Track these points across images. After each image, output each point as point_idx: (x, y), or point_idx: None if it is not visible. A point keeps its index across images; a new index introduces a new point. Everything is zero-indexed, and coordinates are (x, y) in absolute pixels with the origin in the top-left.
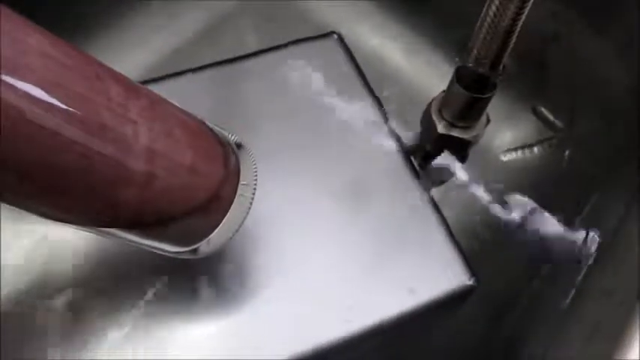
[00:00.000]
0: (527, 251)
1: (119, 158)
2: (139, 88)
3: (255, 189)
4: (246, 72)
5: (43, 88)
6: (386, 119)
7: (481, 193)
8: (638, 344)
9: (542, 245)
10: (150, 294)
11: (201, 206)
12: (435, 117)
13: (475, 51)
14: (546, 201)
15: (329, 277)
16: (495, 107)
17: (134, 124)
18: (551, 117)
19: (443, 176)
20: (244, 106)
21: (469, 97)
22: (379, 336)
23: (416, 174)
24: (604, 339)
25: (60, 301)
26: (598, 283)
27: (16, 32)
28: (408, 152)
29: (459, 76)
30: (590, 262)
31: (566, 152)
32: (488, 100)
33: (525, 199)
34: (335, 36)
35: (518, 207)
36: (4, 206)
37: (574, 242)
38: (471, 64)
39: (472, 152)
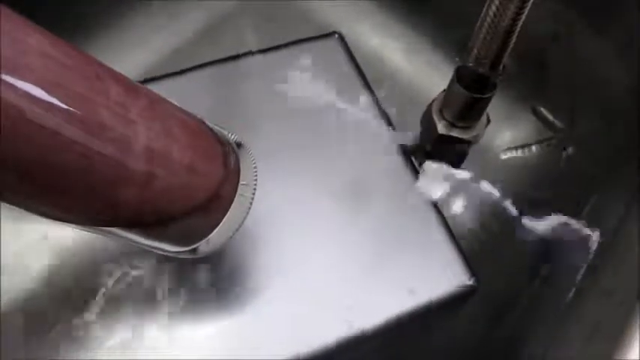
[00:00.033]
0: (527, 251)
1: (119, 158)
2: (138, 87)
3: (255, 189)
4: (246, 72)
5: (43, 88)
6: (386, 119)
7: (481, 192)
8: (638, 344)
9: (543, 245)
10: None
11: (201, 206)
12: (435, 117)
13: (475, 51)
14: (546, 201)
15: (329, 277)
16: (495, 107)
17: (134, 124)
18: (550, 117)
19: (443, 176)
20: (244, 105)
21: (469, 97)
22: (379, 336)
23: (416, 174)
24: (604, 339)
25: (60, 301)
26: (598, 283)
27: (16, 32)
28: (408, 152)
29: (459, 76)
30: (590, 262)
31: (566, 152)
32: (489, 100)
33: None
34: (336, 36)
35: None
36: (4, 206)
37: (574, 242)
38: (471, 64)
39: (472, 152)
